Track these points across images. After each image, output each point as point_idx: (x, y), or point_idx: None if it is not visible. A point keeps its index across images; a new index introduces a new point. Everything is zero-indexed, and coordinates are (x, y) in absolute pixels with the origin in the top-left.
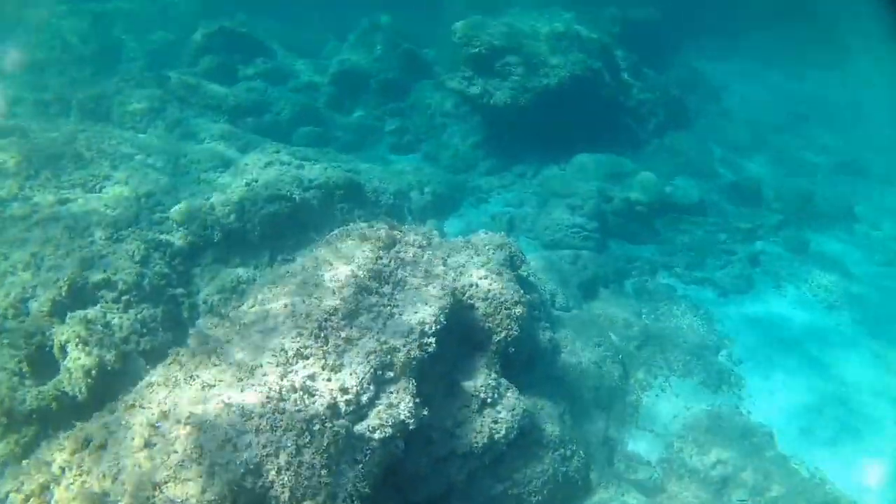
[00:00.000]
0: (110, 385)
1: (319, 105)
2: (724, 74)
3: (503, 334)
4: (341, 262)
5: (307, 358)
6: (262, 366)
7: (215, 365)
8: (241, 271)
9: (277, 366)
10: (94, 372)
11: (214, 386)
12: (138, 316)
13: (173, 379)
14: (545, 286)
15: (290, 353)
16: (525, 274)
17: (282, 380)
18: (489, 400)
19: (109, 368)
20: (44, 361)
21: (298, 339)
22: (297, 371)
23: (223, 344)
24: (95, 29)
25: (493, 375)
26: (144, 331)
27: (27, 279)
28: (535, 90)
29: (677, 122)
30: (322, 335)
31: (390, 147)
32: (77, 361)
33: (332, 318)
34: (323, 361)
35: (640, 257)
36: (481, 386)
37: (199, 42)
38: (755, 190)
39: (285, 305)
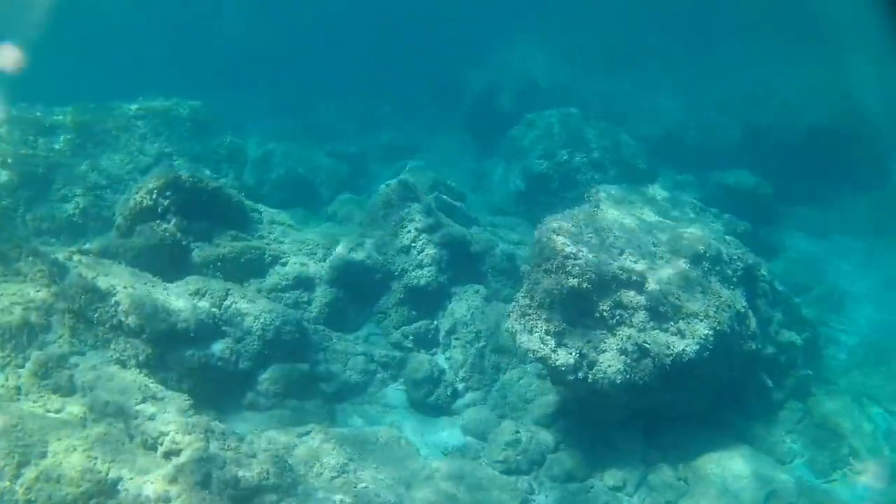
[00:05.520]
0: None
1: (308, 318)
2: (830, 265)
3: None
4: None
5: None
6: None
7: None
8: None
9: None
10: None
11: None
12: None
13: None
14: None
15: None
16: None
17: None
18: None
19: None
20: None
21: None
22: None
23: None
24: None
25: None
26: None
27: None
28: (662, 361)
29: (823, 373)
30: None
31: (413, 403)
32: None
33: None
34: None
35: None
36: None
37: (139, 202)
38: None
39: None
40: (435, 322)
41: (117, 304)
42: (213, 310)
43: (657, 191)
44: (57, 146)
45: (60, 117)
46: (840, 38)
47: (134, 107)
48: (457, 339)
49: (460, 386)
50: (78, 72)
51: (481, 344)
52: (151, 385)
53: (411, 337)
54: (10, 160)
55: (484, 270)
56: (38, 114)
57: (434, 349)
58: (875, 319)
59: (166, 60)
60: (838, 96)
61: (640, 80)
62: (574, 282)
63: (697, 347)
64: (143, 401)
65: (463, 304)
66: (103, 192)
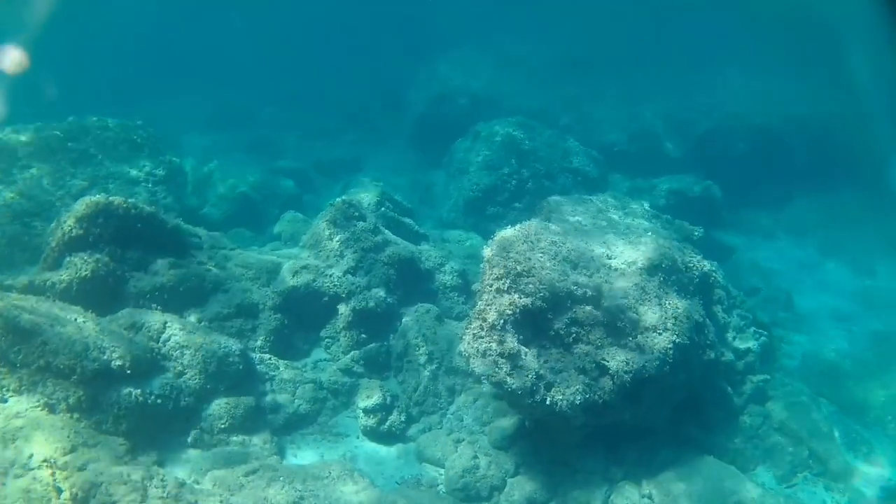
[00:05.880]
0: None
1: (253, 347)
2: (779, 266)
3: None
4: None
5: None
6: None
7: None
8: None
9: None
10: None
11: None
12: None
13: None
14: None
15: None
16: None
17: None
18: None
19: None
20: None
21: None
22: None
23: None
24: None
25: None
26: None
27: None
28: (622, 379)
29: (779, 376)
30: None
31: (366, 431)
32: None
33: None
34: None
35: None
36: None
37: (66, 232)
38: None
39: None
40: (385, 345)
41: (44, 343)
42: (151, 344)
43: (609, 199)
44: None
45: None
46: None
47: (63, 127)
48: (409, 361)
49: (414, 411)
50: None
51: (434, 366)
52: (83, 430)
53: (361, 362)
54: None
55: (434, 288)
56: None
57: (386, 373)
58: (824, 317)
59: (100, 76)
60: (781, 103)
61: (587, 89)
62: (527, 301)
63: (658, 363)
64: (73, 449)
65: (414, 326)
66: (32, 219)
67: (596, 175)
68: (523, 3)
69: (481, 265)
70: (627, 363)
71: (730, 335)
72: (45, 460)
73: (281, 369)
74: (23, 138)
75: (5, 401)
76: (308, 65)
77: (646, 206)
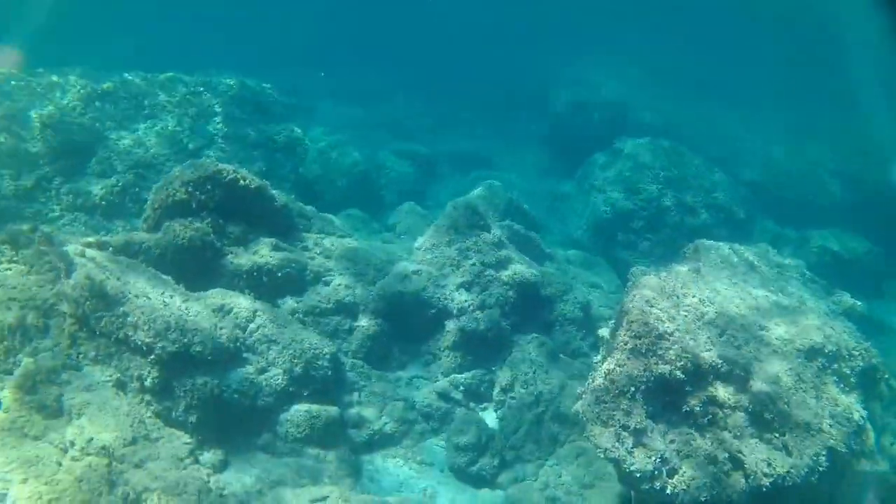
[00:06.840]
0: None
1: (347, 350)
2: None
3: None
4: None
5: None
6: None
7: None
8: None
9: None
10: None
11: None
12: None
13: None
14: None
15: None
16: None
17: None
18: None
19: None
20: None
21: None
22: None
23: None
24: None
25: None
26: None
27: None
28: (758, 481)
29: None
30: None
31: (452, 468)
32: None
33: None
34: None
35: None
36: None
37: (171, 194)
38: None
39: None
40: (491, 373)
41: (126, 314)
42: (237, 332)
43: (763, 253)
44: (105, 115)
45: (109, 85)
46: None
47: (192, 81)
48: (513, 398)
49: (509, 455)
50: (147, 40)
51: (540, 409)
52: (148, 420)
53: (461, 388)
54: (56, 126)
55: (552, 319)
56: (88, 81)
57: (485, 404)
58: None
59: (241, 35)
60: None
61: (741, 115)
62: (665, 368)
63: (806, 471)
64: (134, 441)
65: (525, 358)
66: (146, 170)
67: (743, 216)
68: (674, 13)
69: (615, 312)
70: (769, 464)
71: (886, 440)
72: (103, 447)
73: (372, 380)
74: (149, 87)
75: (80, 368)
76: (447, 53)
77: (802, 267)
